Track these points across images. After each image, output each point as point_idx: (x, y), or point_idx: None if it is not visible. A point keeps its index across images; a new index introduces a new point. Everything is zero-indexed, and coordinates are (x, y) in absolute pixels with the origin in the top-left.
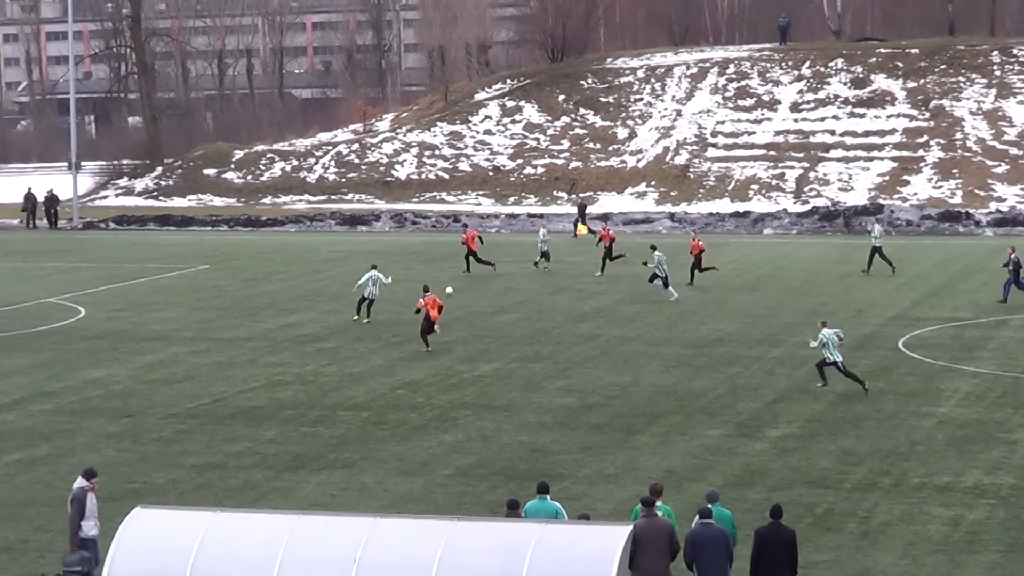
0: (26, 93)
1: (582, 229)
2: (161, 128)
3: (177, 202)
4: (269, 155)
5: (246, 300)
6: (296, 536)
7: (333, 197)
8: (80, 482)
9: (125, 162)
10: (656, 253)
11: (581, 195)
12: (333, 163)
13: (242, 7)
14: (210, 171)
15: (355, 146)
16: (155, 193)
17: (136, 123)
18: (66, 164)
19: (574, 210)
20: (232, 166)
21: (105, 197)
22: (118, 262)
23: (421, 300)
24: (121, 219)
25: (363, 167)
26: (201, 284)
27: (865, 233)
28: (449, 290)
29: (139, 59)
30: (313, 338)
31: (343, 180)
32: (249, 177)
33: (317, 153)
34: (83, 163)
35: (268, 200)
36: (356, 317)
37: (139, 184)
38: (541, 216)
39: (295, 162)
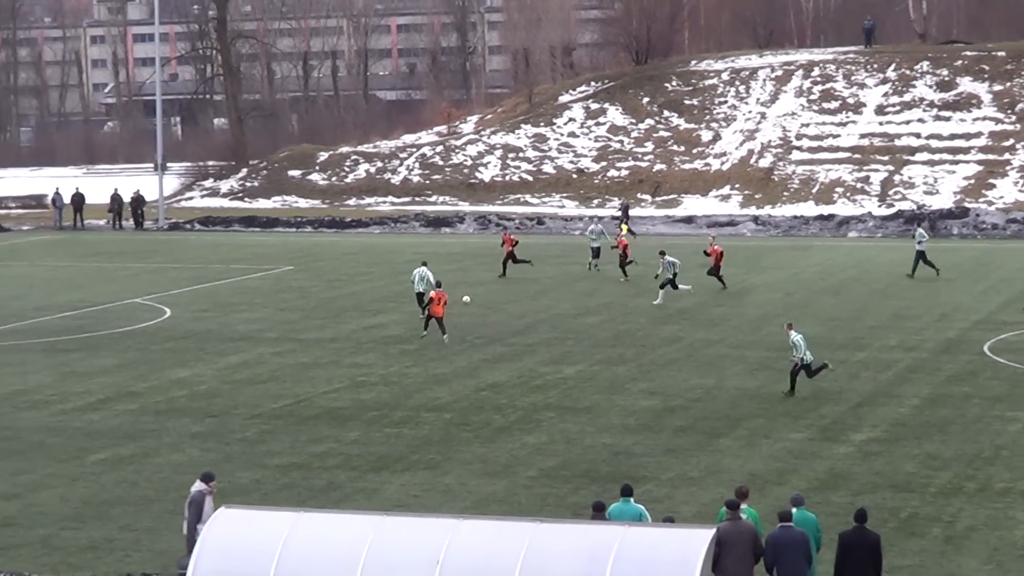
0: (113, 95)
1: (624, 229)
2: (246, 130)
3: (262, 203)
4: (353, 157)
5: (330, 301)
6: (379, 537)
7: (417, 199)
8: (198, 485)
9: (211, 163)
10: (666, 258)
11: (625, 198)
12: (417, 165)
13: (327, 9)
14: (295, 173)
15: (439, 148)
16: (240, 194)
17: (222, 125)
18: (152, 165)
19: (657, 213)
20: (317, 168)
21: (191, 198)
22: (203, 263)
23: (432, 292)
24: (206, 220)
25: (447, 169)
26: (286, 285)
27: (950, 236)
28: (466, 299)
29: (225, 61)
30: (397, 339)
31: (427, 182)
32: (334, 179)
33: (401, 155)
34: (169, 164)
35: (352, 202)
36: (423, 315)
37: (224, 185)
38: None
39: (379, 164)
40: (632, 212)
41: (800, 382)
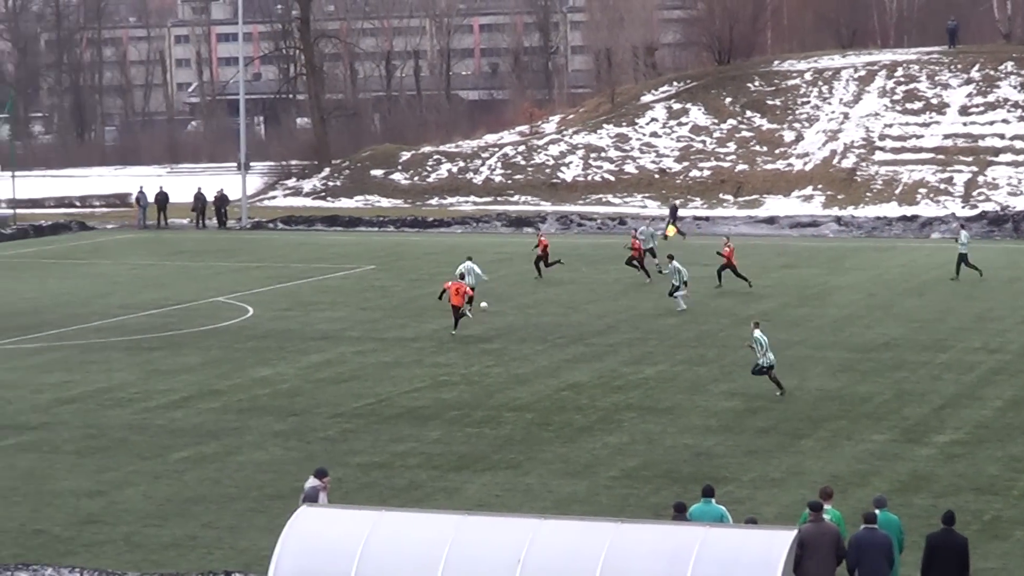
0: (197, 94)
1: (671, 230)
2: (329, 129)
3: (344, 203)
4: (436, 156)
5: (412, 300)
6: (461, 536)
7: (499, 199)
8: (312, 481)
9: (293, 163)
10: (673, 264)
11: (675, 198)
12: (499, 165)
13: (410, 9)
14: (377, 172)
15: (521, 148)
16: (323, 194)
17: (304, 124)
18: (235, 164)
19: (739, 213)
20: (399, 167)
21: (273, 197)
22: (286, 262)
23: (448, 283)
24: (289, 219)
25: (529, 169)
26: (368, 284)
27: None
28: (484, 305)
29: (308, 60)
30: (478, 339)
31: (509, 182)
32: (416, 178)
33: (483, 155)
34: (252, 164)
35: (434, 201)
36: (468, 314)
37: (307, 185)
38: (707, 219)
39: (461, 163)
40: (714, 213)
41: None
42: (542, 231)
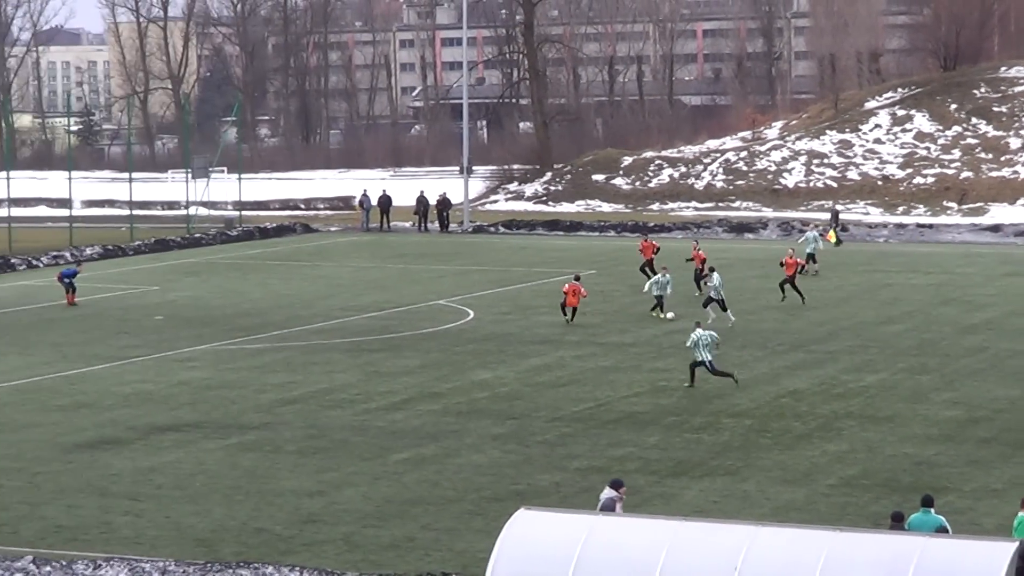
0: (421, 98)
1: (831, 235)
2: (551, 134)
3: (565, 207)
4: (657, 161)
5: (632, 305)
6: (678, 542)
7: (720, 204)
8: (608, 492)
9: (515, 167)
10: (715, 275)
11: (838, 203)
12: (721, 170)
13: (634, 14)
14: (599, 177)
15: (743, 153)
16: (544, 198)
17: (527, 128)
18: (458, 168)
19: (963, 221)
20: (620, 172)
21: (495, 201)
22: (506, 266)
23: (566, 285)
24: (510, 223)
25: (751, 174)
26: (588, 289)
27: None
28: (671, 315)
29: (531, 65)
30: None
31: (731, 187)
32: (637, 183)
33: (705, 160)
34: (474, 167)
35: (656, 206)
36: (654, 314)
37: (529, 189)
38: (931, 227)
39: (683, 169)
40: (937, 220)
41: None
42: (698, 245)
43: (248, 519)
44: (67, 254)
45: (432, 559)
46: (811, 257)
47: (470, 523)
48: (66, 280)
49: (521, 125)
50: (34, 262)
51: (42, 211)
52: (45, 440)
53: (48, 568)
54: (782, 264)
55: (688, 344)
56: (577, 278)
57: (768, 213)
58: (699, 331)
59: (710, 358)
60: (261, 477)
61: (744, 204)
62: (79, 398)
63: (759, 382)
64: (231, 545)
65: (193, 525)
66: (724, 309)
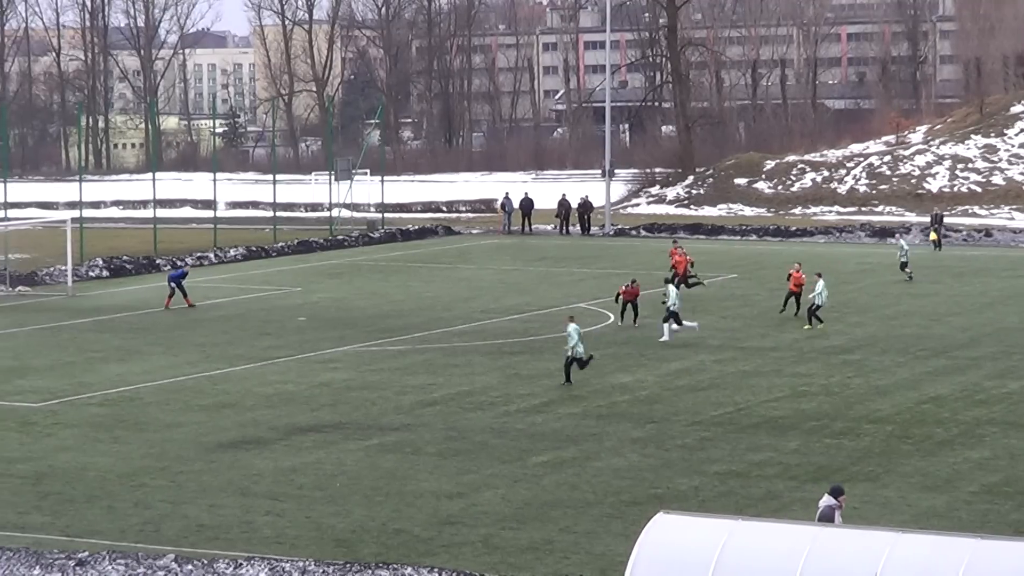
0: (563, 101)
1: (932, 236)
2: (694, 137)
3: (707, 211)
4: (800, 165)
5: (773, 310)
6: (817, 548)
7: (863, 209)
8: (827, 500)
9: (657, 170)
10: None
11: (939, 207)
12: (864, 174)
13: (777, 17)
14: (741, 181)
15: (887, 158)
16: (686, 201)
17: (669, 132)
18: (600, 171)
19: None
20: (763, 176)
21: (637, 205)
22: (648, 269)
23: (623, 287)
24: (652, 227)
25: (894, 179)
26: (729, 293)
27: None
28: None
29: (674, 68)
30: (839, 350)
31: (873, 192)
32: (779, 187)
33: (848, 164)
34: (616, 171)
35: (798, 210)
36: (808, 326)
37: (670, 192)
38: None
39: (826, 173)
40: None
41: None
42: (678, 246)
43: (388, 520)
44: (211, 255)
45: (570, 562)
46: (903, 265)
47: (609, 526)
48: (172, 284)
49: (663, 128)
50: (179, 263)
51: (187, 212)
52: (188, 440)
53: (190, 567)
54: (789, 278)
55: (569, 346)
56: (633, 281)
57: (911, 218)
58: (572, 325)
59: (581, 352)
60: (401, 478)
61: (887, 208)
62: (222, 398)
63: (900, 388)
64: (370, 546)
65: (333, 525)
66: (678, 323)
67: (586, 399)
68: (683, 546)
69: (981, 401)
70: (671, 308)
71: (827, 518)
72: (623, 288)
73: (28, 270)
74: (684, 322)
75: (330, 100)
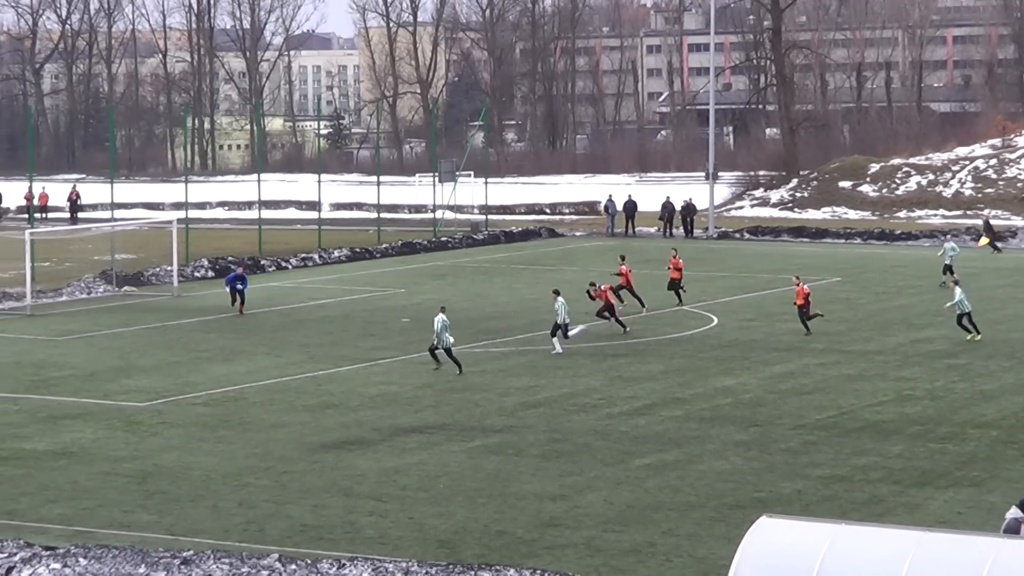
0: (667, 104)
1: (982, 241)
2: (798, 140)
3: (811, 214)
4: (905, 169)
5: (877, 314)
6: (921, 553)
7: (968, 212)
8: (1014, 512)
9: (761, 173)
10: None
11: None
12: (970, 178)
13: (883, 20)
14: (845, 184)
15: (993, 161)
16: (790, 204)
17: (773, 135)
18: (703, 174)
19: None
20: (867, 179)
21: (740, 207)
22: (751, 272)
23: (597, 289)
24: (755, 230)
25: (1000, 183)
26: (832, 296)
27: None
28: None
29: (778, 71)
30: (944, 354)
31: (979, 195)
32: (884, 190)
33: (954, 167)
34: (720, 174)
35: (903, 214)
36: (969, 336)
37: (774, 195)
38: None
39: (931, 176)
40: None
41: None
42: (624, 261)
43: (490, 521)
44: (315, 256)
45: (673, 565)
46: (948, 268)
47: (712, 529)
48: (227, 287)
49: (768, 131)
50: (283, 264)
51: (291, 213)
52: (292, 440)
53: (293, 566)
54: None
55: (436, 328)
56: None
57: (1018, 222)
58: (442, 316)
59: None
60: (504, 480)
61: (993, 212)
62: (326, 399)
63: (1006, 392)
64: (473, 547)
65: (436, 526)
66: (553, 334)
67: (689, 402)
68: (786, 550)
69: None
70: (559, 321)
71: (1012, 531)
72: (596, 291)
73: (134, 270)
74: (570, 332)
75: (434, 102)
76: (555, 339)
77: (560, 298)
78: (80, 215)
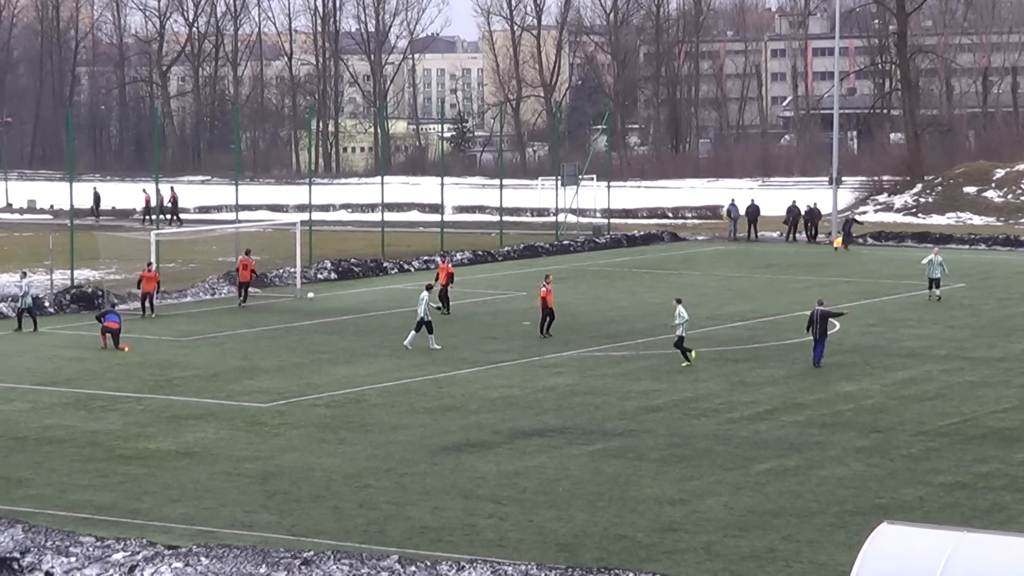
0: (791, 108)
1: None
2: (922, 145)
3: (935, 219)
4: None
5: (1001, 320)
6: None
7: None
8: None
9: (885, 178)
10: (424, 294)
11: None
12: None
13: (1009, 25)
14: (970, 189)
15: None
16: (914, 210)
17: (898, 139)
18: (827, 179)
19: None
20: (993, 184)
21: (864, 212)
22: (875, 278)
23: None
24: (879, 235)
25: None
26: (956, 302)
27: None
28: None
29: (903, 75)
30: None
31: None
32: (1009, 196)
33: None
34: (843, 178)
35: None
36: None
37: (898, 200)
38: None
39: None
40: None
41: None
42: (446, 259)
43: (610, 525)
44: (437, 258)
45: (793, 571)
46: (935, 282)
47: (832, 536)
48: (103, 321)
49: (892, 136)
50: (405, 266)
51: (414, 216)
52: (412, 442)
53: (413, 568)
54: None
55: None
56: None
57: None
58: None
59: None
60: (624, 484)
61: None
62: (446, 401)
63: None
64: (592, 551)
65: (555, 530)
66: (416, 330)
67: (810, 407)
68: (907, 557)
69: None
70: (424, 318)
71: None
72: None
73: (258, 271)
74: (432, 342)
75: (557, 105)
76: (681, 352)
77: (680, 306)
78: (182, 216)
